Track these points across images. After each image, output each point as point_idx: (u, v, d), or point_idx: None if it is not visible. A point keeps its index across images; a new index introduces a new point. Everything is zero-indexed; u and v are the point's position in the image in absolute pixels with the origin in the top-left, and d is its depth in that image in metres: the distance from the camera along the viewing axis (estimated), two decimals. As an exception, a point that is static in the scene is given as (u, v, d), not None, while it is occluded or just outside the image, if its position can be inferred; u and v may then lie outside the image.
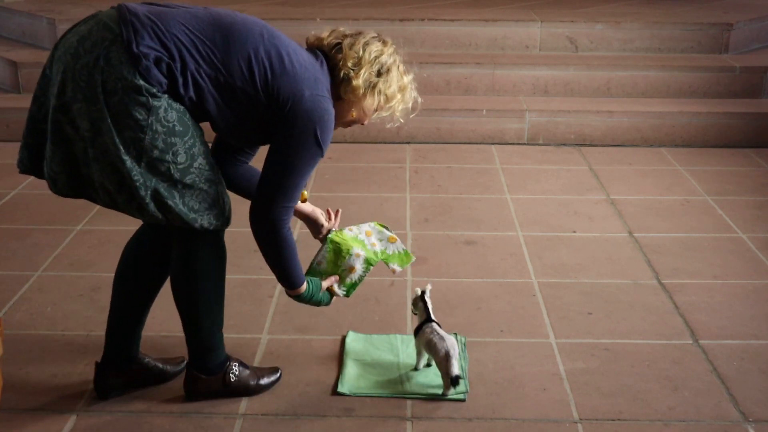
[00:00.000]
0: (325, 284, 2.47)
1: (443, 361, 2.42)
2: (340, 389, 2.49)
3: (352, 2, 6.09)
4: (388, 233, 2.60)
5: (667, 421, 2.38)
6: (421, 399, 2.46)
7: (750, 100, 5.10)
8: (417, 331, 2.54)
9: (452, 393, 2.46)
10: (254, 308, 2.96)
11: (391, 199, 4.01)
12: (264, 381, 2.50)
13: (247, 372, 2.47)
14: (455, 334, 2.76)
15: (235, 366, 2.45)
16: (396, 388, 2.51)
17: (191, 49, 2.10)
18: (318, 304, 2.48)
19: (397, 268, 2.56)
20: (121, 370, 2.45)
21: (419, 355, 2.58)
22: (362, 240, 2.53)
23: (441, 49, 5.42)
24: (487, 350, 2.72)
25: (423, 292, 2.59)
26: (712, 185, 4.22)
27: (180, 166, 2.14)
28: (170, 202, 2.15)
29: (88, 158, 2.12)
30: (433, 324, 2.50)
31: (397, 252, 2.57)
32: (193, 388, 2.43)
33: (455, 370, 2.41)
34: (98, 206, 3.83)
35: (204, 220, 2.22)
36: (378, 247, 2.56)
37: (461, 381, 2.47)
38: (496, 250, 3.47)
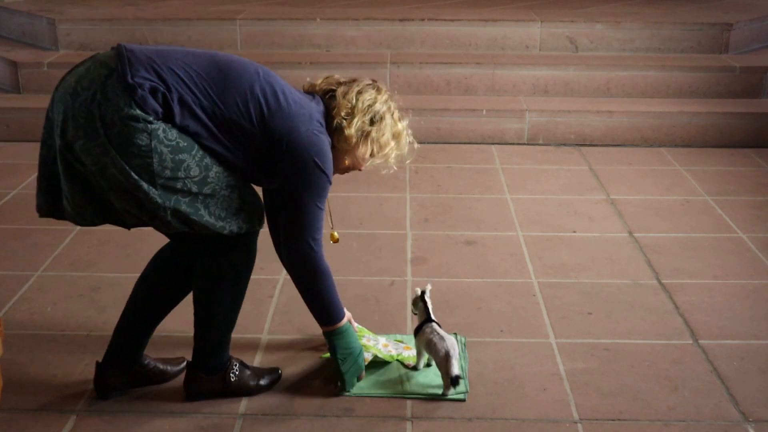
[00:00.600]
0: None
1: (443, 361, 2.42)
2: (340, 389, 2.49)
3: (352, 2, 6.09)
4: (403, 344, 2.72)
5: (667, 421, 2.38)
6: (421, 399, 2.46)
7: (750, 100, 5.10)
8: (417, 331, 2.54)
9: (452, 393, 2.46)
10: (254, 308, 2.96)
11: (391, 199, 4.01)
12: (264, 381, 2.50)
13: (248, 372, 2.48)
14: (455, 334, 2.76)
15: (235, 366, 2.45)
16: (396, 388, 2.51)
17: (188, 82, 2.14)
18: (353, 353, 2.43)
19: (411, 363, 2.63)
20: (124, 371, 2.46)
21: (419, 355, 2.58)
22: (379, 348, 2.65)
23: (441, 49, 5.42)
24: (487, 350, 2.72)
25: (423, 292, 2.59)
26: (712, 185, 4.22)
27: (196, 179, 2.16)
28: (194, 217, 2.18)
29: (103, 189, 2.16)
30: (433, 324, 2.50)
31: (410, 355, 2.66)
32: (193, 388, 2.44)
33: (455, 370, 2.41)
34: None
35: (233, 226, 2.25)
36: (393, 352, 2.66)
37: (461, 381, 2.47)
38: (496, 250, 3.47)
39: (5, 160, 4.52)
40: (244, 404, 2.43)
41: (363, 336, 2.72)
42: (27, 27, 5.67)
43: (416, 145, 2.55)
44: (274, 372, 2.54)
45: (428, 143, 4.84)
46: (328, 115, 2.33)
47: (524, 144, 4.86)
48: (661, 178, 4.34)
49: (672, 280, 3.21)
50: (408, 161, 2.54)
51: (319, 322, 2.40)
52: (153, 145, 2.09)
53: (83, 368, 2.59)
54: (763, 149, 4.77)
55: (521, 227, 3.69)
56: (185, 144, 2.13)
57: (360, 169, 2.45)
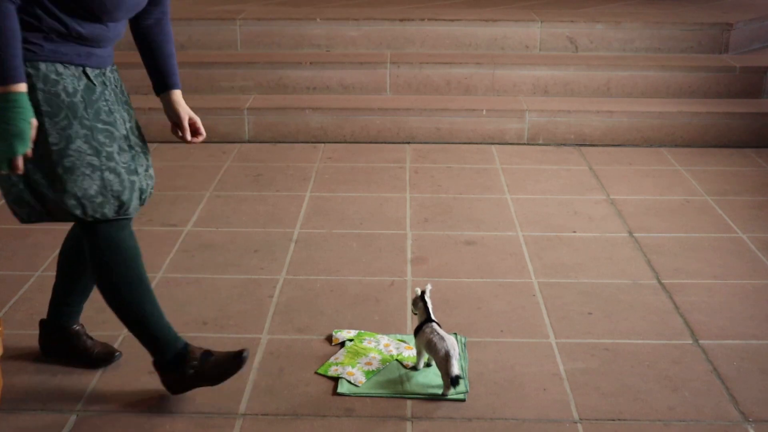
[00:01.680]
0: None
1: (443, 361, 2.42)
2: (340, 389, 2.49)
3: (352, 2, 6.09)
4: (404, 344, 2.73)
5: (667, 421, 2.38)
6: (421, 399, 2.46)
7: (750, 100, 5.10)
8: (417, 331, 2.54)
9: (452, 393, 2.46)
10: (254, 308, 2.96)
11: (391, 199, 4.01)
12: (225, 368, 2.38)
13: (211, 359, 2.39)
14: (455, 334, 2.76)
15: (195, 358, 2.38)
16: (396, 388, 2.51)
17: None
18: (11, 130, 2.02)
19: (411, 363, 2.64)
20: (53, 333, 2.61)
21: (419, 355, 2.58)
22: (380, 350, 2.68)
23: (441, 49, 5.42)
24: (487, 350, 2.72)
25: (423, 292, 2.59)
26: (712, 185, 4.22)
27: (55, 148, 2.11)
28: (44, 190, 2.14)
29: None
30: (433, 324, 2.50)
31: (411, 355, 2.67)
32: (164, 382, 2.42)
33: (455, 370, 2.41)
34: None
35: (90, 209, 2.18)
36: (394, 352, 2.68)
37: (461, 381, 2.47)
38: (496, 250, 3.47)
39: (5, 160, 4.52)
40: (244, 404, 2.43)
41: (364, 338, 2.73)
42: (27, 27, 5.66)
43: None
44: (238, 355, 2.39)
45: (428, 143, 4.85)
46: None
47: (524, 144, 4.86)
48: (661, 178, 4.34)
49: (672, 280, 3.21)
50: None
51: None
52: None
53: (83, 368, 2.59)
54: (763, 149, 4.78)
55: (521, 227, 3.69)
56: (47, 109, 2.10)
57: None
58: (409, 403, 2.45)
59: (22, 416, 2.37)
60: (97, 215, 2.20)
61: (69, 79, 2.15)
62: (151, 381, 2.53)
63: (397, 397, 2.47)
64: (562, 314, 2.95)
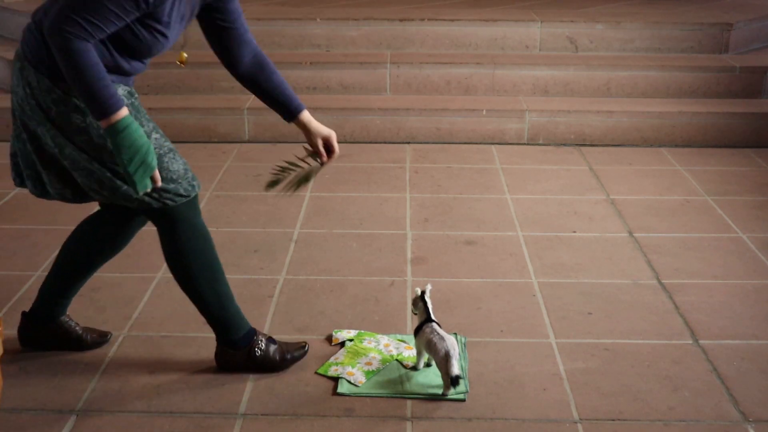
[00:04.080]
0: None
1: (443, 361, 2.42)
2: (340, 389, 2.49)
3: (352, 2, 6.09)
4: (404, 344, 2.73)
5: (667, 421, 2.38)
6: (421, 399, 2.46)
7: (750, 100, 5.10)
8: (417, 331, 2.54)
9: (452, 393, 2.46)
10: (254, 308, 2.96)
11: (391, 199, 4.01)
12: (290, 356, 2.58)
13: (274, 347, 2.56)
14: (455, 334, 2.76)
15: (261, 341, 2.54)
16: (396, 388, 2.51)
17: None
18: (140, 151, 2.13)
19: (411, 363, 2.64)
20: (41, 325, 2.63)
21: (419, 355, 2.58)
22: (380, 350, 2.69)
23: (441, 49, 5.42)
24: (487, 350, 2.72)
25: (423, 292, 2.59)
26: (712, 185, 4.22)
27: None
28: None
29: (69, 169, 2.29)
30: (433, 324, 2.50)
31: (411, 355, 2.67)
32: (220, 361, 2.56)
33: (455, 370, 2.41)
34: (98, 206, 3.83)
35: (186, 185, 2.33)
36: (394, 352, 2.68)
37: (461, 381, 2.47)
38: (496, 250, 3.47)
39: (5, 160, 4.52)
40: (244, 404, 2.43)
41: (364, 338, 2.73)
42: (27, 27, 5.66)
43: None
44: (300, 348, 2.63)
45: (428, 143, 4.85)
46: None
47: (524, 144, 4.87)
48: (661, 178, 4.34)
49: (672, 280, 3.21)
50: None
51: (94, 116, 2.12)
52: (88, 122, 2.21)
53: (83, 368, 2.59)
54: (763, 149, 4.78)
55: (521, 227, 3.69)
56: None
57: None
58: (409, 403, 2.45)
59: (22, 416, 2.37)
60: (196, 188, 2.36)
61: (121, 87, 2.28)
62: (151, 381, 2.53)
63: (397, 397, 2.47)
64: (562, 314, 2.95)
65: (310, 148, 2.56)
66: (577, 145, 4.85)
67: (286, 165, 2.55)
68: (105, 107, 2.08)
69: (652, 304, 3.03)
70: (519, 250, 3.46)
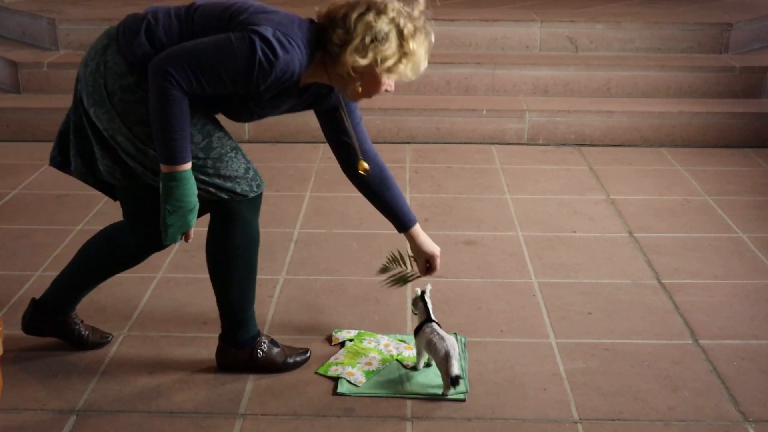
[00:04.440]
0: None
1: (443, 361, 2.42)
2: (340, 389, 2.49)
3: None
4: (404, 344, 2.73)
5: (667, 421, 2.38)
6: (421, 399, 2.46)
7: (750, 100, 5.10)
8: (417, 331, 2.54)
9: (452, 393, 2.46)
10: (254, 308, 2.96)
11: (391, 199, 4.01)
12: (291, 360, 2.58)
13: (276, 350, 2.56)
14: (455, 334, 2.76)
15: (264, 343, 2.55)
16: (396, 388, 2.51)
17: (176, 34, 2.19)
18: (185, 208, 2.18)
19: (411, 363, 2.64)
20: (48, 317, 2.62)
21: (419, 355, 2.58)
22: (380, 350, 2.69)
23: (441, 49, 5.41)
24: (487, 350, 2.72)
25: (423, 292, 2.59)
26: (712, 185, 4.22)
27: (201, 146, 2.25)
28: (203, 177, 2.26)
29: (117, 151, 2.28)
30: (433, 324, 2.50)
31: (411, 355, 2.67)
32: (222, 359, 2.57)
33: (455, 370, 2.41)
34: (98, 206, 3.84)
35: (243, 186, 2.33)
36: (394, 352, 2.69)
37: (461, 381, 2.47)
38: (496, 250, 3.47)
39: (5, 160, 4.52)
40: (244, 404, 2.43)
41: (364, 338, 2.73)
42: (27, 27, 5.67)
43: (432, 39, 2.29)
44: (303, 353, 2.62)
45: (428, 143, 4.85)
46: (328, 42, 2.20)
47: (524, 144, 4.86)
48: (661, 178, 4.34)
49: (672, 280, 3.21)
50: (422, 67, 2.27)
51: (161, 159, 2.15)
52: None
53: (83, 368, 2.59)
54: (763, 149, 4.77)
55: (521, 227, 3.69)
56: None
57: (378, 93, 2.27)
58: (409, 403, 2.45)
59: (22, 416, 2.37)
60: (254, 189, 2.36)
61: None
62: (151, 381, 2.53)
63: (397, 397, 2.47)
64: (562, 314, 2.95)
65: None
66: (577, 145, 4.85)
67: (398, 257, 2.71)
68: (174, 156, 2.13)
69: (652, 304, 3.03)
70: (519, 250, 3.46)
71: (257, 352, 2.54)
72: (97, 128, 2.28)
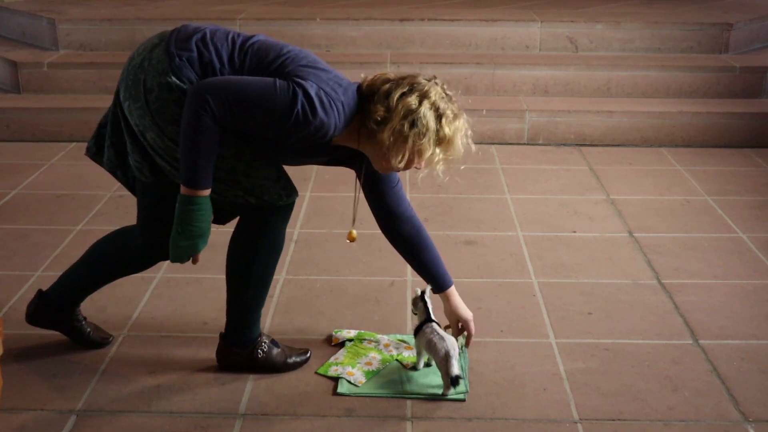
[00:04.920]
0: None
1: (443, 361, 2.42)
2: (340, 389, 2.49)
3: (352, 2, 6.09)
4: (404, 344, 2.73)
5: (667, 421, 2.38)
6: (421, 399, 2.46)
7: (750, 100, 5.10)
8: (417, 331, 2.54)
9: (452, 393, 2.46)
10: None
11: (391, 199, 4.01)
12: (291, 360, 2.58)
13: (277, 350, 2.57)
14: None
15: (265, 343, 2.55)
16: (396, 388, 2.51)
17: (226, 56, 2.22)
18: (196, 233, 2.20)
19: (411, 363, 2.64)
20: (52, 311, 2.63)
21: (419, 355, 2.58)
22: (380, 350, 2.69)
23: (441, 49, 5.42)
24: (487, 350, 2.72)
25: (423, 292, 2.59)
26: (712, 185, 4.22)
27: (231, 151, 2.25)
28: (231, 181, 2.28)
29: (149, 151, 2.30)
30: (433, 324, 2.50)
31: (411, 355, 2.67)
32: (222, 359, 2.57)
33: (455, 370, 2.41)
34: (98, 206, 3.84)
35: (272, 196, 2.33)
36: (394, 352, 2.69)
37: (461, 381, 2.47)
38: (496, 250, 3.47)
39: (5, 160, 4.52)
40: (244, 404, 2.43)
41: (364, 338, 2.73)
42: (27, 27, 5.67)
43: (473, 148, 2.40)
44: (303, 353, 2.62)
45: (428, 143, 4.84)
46: (366, 115, 2.24)
47: (524, 144, 4.86)
48: (661, 178, 4.34)
49: (672, 280, 3.21)
50: (462, 167, 2.42)
51: (182, 180, 2.17)
52: None
53: (83, 368, 2.59)
54: (763, 149, 4.77)
55: (521, 227, 3.69)
56: None
57: (407, 169, 2.33)
58: (409, 403, 2.45)
59: (22, 416, 2.37)
60: (284, 198, 2.36)
61: None
62: (151, 381, 2.53)
63: (397, 397, 2.47)
64: (562, 314, 2.95)
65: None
66: (577, 145, 4.85)
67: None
68: (196, 180, 2.15)
69: (652, 304, 3.03)
70: (519, 250, 3.46)
71: (258, 352, 2.54)
72: (129, 123, 2.30)
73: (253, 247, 2.41)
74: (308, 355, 2.63)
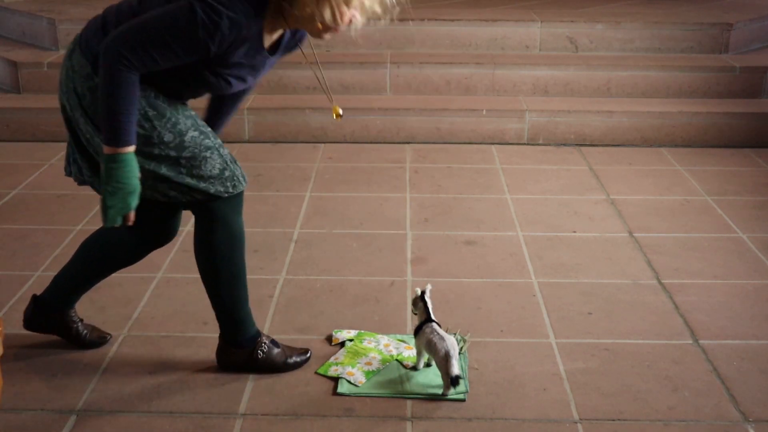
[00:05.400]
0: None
1: (443, 361, 2.42)
2: (340, 389, 2.49)
3: (352, 2, 6.08)
4: (404, 344, 2.73)
5: (667, 421, 2.38)
6: (421, 399, 2.46)
7: (750, 100, 5.10)
8: (417, 331, 2.54)
9: (452, 393, 2.46)
10: (254, 308, 2.95)
11: (391, 199, 4.01)
12: (292, 360, 2.58)
13: (277, 350, 2.56)
14: (454, 334, 2.76)
15: (265, 343, 2.55)
16: (396, 388, 2.51)
17: (124, 14, 2.21)
18: (124, 189, 2.16)
19: (411, 363, 2.64)
20: (46, 313, 2.63)
21: (419, 355, 2.58)
22: (380, 350, 2.69)
23: (441, 49, 5.42)
24: (487, 350, 2.72)
25: (423, 292, 2.59)
26: (712, 185, 4.22)
27: (171, 145, 2.25)
28: (176, 179, 2.26)
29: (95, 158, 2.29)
30: (433, 324, 2.50)
31: (411, 355, 2.67)
32: (222, 359, 2.58)
33: (455, 370, 2.41)
34: (98, 206, 3.84)
35: (218, 186, 2.32)
36: (394, 352, 2.69)
37: (461, 381, 2.47)
38: (496, 250, 3.47)
39: (5, 160, 4.52)
40: (244, 404, 2.43)
41: (364, 338, 2.73)
42: (27, 27, 5.67)
43: None
44: (303, 353, 2.62)
45: (428, 143, 4.84)
46: None
47: (524, 144, 4.86)
48: (661, 178, 4.34)
49: (672, 280, 3.21)
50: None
51: (104, 140, 2.15)
52: None
53: (83, 368, 2.59)
54: (763, 149, 4.77)
55: (521, 227, 3.69)
56: (155, 113, 2.22)
57: (341, 25, 2.19)
58: (409, 403, 2.45)
59: (22, 416, 2.37)
60: (229, 189, 2.33)
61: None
62: (151, 381, 2.53)
63: (397, 397, 2.47)
64: (562, 314, 2.95)
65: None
66: (577, 145, 4.85)
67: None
68: (118, 137, 2.12)
69: (652, 304, 3.03)
70: (519, 250, 3.46)
71: (258, 352, 2.54)
72: (77, 136, 2.32)
73: (213, 245, 2.40)
74: (308, 355, 2.63)
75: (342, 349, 2.69)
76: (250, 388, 2.51)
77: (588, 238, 3.60)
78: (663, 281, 3.20)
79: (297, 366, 2.59)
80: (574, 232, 3.66)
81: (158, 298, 3.04)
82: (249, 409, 2.41)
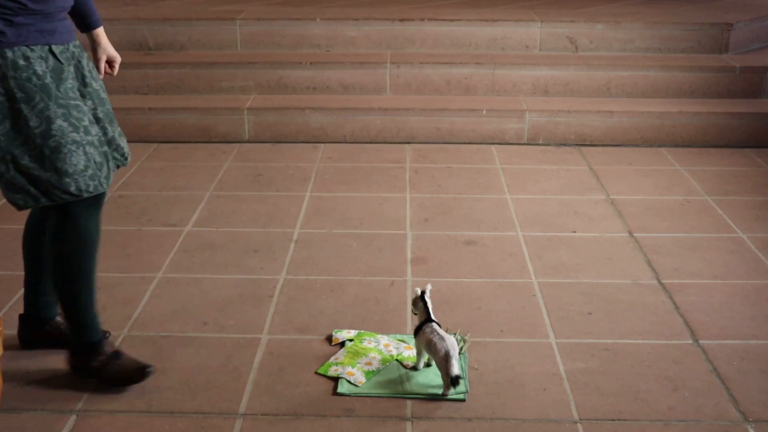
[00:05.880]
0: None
1: (443, 361, 2.42)
2: (340, 389, 2.49)
3: (352, 2, 6.09)
4: (404, 344, 2.73)
5: (667, 421, 2.38)
6: (421, 399, 2.46)
7: (750, 100, 5.10)
8: (417, 331, 2.54)
9: (452, 393, 2.46)
10: (254, 308, 2.96)
11: (391, 199, 4.01)
12: (127, 375, 2.48)
13: (117, 362, 2.48)
14: (454, 334, 2.76)
15: (104, 354, 2.48)
16: (396, 388, 2.51)
17: None
18: None
19: (411, 363, 2.64)
20: (33, 326, 2.65)
21: (419, 355, 2.58)
22: (380, 350, 2.69)
23: (441, 49, 5.42)
24: (487, 350, 2.72)
25: (423, 292, 2.59)
26: (712, 185, 4.22)
27: (37, 131, 2.19)
28: (36, 173, 2.20)
29: None
30: (433, 324, 2.50)
31: (411, 355, 2.67)
32: (67, 360, 2.54)
33: (455, 370, 2.41)
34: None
35: (81, 182, 2.25)
36: (394, 352, 2.68)
37: (461, 381, 2.47)
38: (496, 250, 3.47)
39: (5, 160, 4.51)
40: (244, 404, 2.43)
41: (364, 338, 2.73)
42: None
43: None
44: (142, 368, 2.49)
45: (428, 143, 4.85)
46: None
47: (524, 144, 4.86)
48: (661, 178, 4.34)
49: (672, 280, 3.21)
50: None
51: None
52: None
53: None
54: (763, 149, 4.78)
55: (521, 227, 3.69)
56: (23, 95, 2.17)
57: None
58: (409, 403, 2.45)
59: (22, 416, 2.37)
60: (90, 189, 2.27)
61: (37, 62, 2.20)
62: (150, 381, 2.53)
63: (397, 397, 2.47)
64: (562, 314, 2.95)
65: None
66: (577, 145, 4.85)
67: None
68: None
69: (652, 304, 3.03)
70: (519, 250, 3.46)
71: (94, 362, 2.47)
72: None
73: (61, 248, 2.36)
74: (149, 370, 2.49)
75: (342, 349, 2.69)
76: (250, 388, 2.51)
77: (588, 238, 3.60)
78: (663, 281, 3.20)
79: (132, 382, 2.47)
80: (574, 232, 3.66)
81: (158, 298, 3.04)
82: (249, 409, 2.41)
